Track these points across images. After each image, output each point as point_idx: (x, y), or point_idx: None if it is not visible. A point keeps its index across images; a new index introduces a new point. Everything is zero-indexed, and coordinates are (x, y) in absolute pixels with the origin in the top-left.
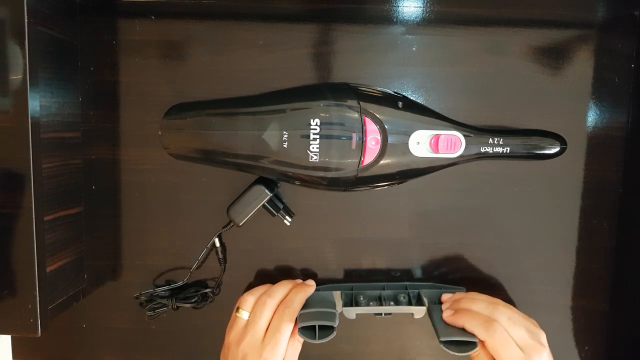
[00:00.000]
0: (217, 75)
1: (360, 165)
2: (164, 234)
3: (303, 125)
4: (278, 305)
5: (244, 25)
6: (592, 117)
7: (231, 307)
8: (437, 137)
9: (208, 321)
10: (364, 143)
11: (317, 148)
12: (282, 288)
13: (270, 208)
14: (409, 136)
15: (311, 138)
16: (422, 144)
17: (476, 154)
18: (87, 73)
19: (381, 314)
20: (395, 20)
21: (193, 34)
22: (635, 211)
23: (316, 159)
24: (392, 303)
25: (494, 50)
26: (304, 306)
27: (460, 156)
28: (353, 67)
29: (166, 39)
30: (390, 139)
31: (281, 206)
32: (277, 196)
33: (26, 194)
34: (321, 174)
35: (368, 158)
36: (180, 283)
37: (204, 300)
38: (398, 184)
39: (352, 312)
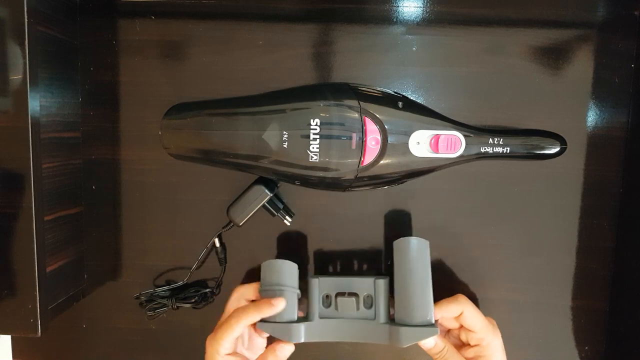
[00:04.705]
0: (217, 75)
1: (360, 165)
2: (164, 234)
3: (303, 125)
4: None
5: (244, 25)
6: (592, 117)
7: None
8: (437, 137)
9: (208, 321)
10: (364, 143)
11: (317, 148)
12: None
13: (270, 208)
14: (409, 136)
15: (311, 138)
16: (422, 144)
17: (476, 154)
18: (87, 73)
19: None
20: (395, 20)
21: (193, 34)
22: (635, 211)
23: (316, 159)
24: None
25: (494, 50)
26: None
27: (460, 156)
28: (353, 67)
29: (166, 39)
30: (390, 139)
31: (281, 206)
32: (277, 196)
33: (26, 194)
34: (321, 174)
35: (368, 158)
36: (180, 283)
37: (204, 300)
38: (398, 184)
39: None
